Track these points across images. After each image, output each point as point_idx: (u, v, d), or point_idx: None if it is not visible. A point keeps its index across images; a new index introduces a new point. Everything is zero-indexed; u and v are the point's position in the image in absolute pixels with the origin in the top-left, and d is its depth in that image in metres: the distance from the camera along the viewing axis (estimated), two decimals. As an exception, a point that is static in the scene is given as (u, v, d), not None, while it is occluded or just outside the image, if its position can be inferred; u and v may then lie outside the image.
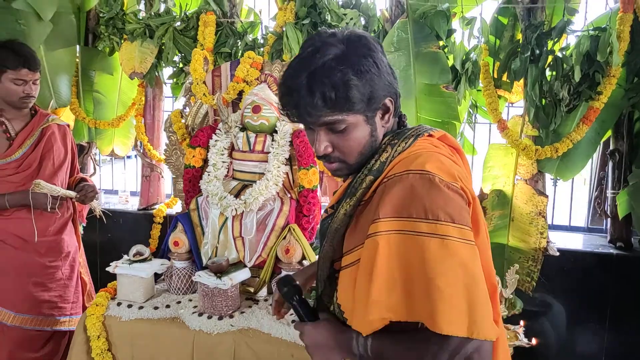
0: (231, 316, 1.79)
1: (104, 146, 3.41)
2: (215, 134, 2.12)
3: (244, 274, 1.87)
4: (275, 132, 2.05)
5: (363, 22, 2.80)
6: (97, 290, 2.08)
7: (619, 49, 2.40)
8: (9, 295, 2.17)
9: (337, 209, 1.06)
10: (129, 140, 3.45)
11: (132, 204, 3.39)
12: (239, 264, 1.92)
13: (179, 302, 1.92)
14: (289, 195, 2.03)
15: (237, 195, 1.97)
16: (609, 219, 2.75)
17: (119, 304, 1.89)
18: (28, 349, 2.21)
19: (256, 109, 2.05)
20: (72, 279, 2.35)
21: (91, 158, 3.42)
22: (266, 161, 2.02)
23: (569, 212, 3.01)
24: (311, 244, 1.99)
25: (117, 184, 3.89)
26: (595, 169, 2.86)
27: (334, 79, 0.96)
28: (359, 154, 1.04)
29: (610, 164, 2.69)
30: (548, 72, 2.55)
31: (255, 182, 1.98)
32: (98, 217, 2.45)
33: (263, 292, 1.97)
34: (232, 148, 2.11)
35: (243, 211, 1.94)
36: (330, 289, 1.09)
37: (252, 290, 1.97)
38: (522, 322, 2.12)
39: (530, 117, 2.57)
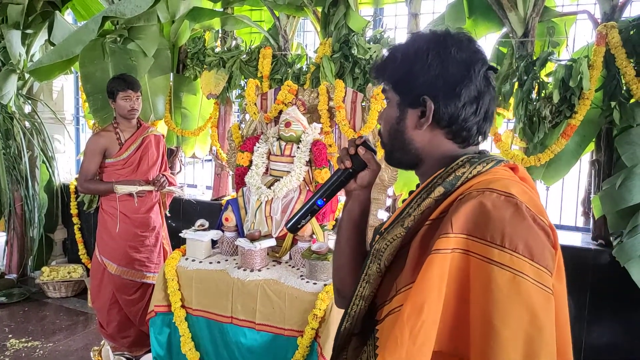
0: (259, 270, 2.54)
1: (188, 150, 4.27)
2: (258, 142, 2.90)
3: (270, 242, 2.60)
4: (300, 141, 2.78)
5: (386, 54, 3.46)
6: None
7: (591, 76, 2.86)
8: (113, 253, 3.08)
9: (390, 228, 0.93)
10: (206, 145, 4.31)
11: (207, 195, 4.27)
12: (268, 236, 2.67)
13: (226, 260, 2.70)
14: (307, 188, 2.75)
15: (269, 187, 2.73)
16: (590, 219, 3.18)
17: (186, 259, 2.70)
18: (124, 292, 3.10)
19: (287, 124, 2.80)
20: (156, 246, 3.22)
21: (178, 159, 4.37)
22: (292, 162, 2.76)
23: (559, 212, 3.44)
24: (321, 225, 2.70)
25: (196, 179, 4.81)
26: (586, 176, 3.30)
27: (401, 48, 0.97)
28: (388, 134, 0.99)
29: (593, 172, 3.14)
30: (535, 95, 3.07)
31: (283, 177, 2.73)
32: (179, 196, 3.38)
33: (285, 257, 2.71)
34: (269, 152, 2.88)
35: (272, 198, 2.69)
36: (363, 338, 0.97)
37: (277, 255, 2.72)
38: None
39: (517, 132, 3.09)
